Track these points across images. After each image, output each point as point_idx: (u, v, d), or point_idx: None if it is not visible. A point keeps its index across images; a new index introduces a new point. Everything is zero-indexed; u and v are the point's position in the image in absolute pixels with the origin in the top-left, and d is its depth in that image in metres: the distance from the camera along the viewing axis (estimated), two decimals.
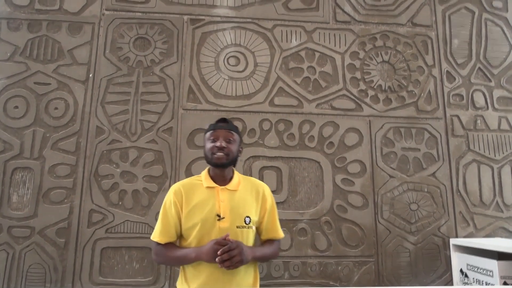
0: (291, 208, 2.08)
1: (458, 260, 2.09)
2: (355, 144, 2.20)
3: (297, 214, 2.08)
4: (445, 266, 2.13)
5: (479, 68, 2.39)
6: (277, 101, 2.19)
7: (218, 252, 1.23)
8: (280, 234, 1.52)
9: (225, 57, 2.21)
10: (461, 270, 2.05)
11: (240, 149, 1.50)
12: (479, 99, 2.35)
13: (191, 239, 1.37)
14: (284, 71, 2.24)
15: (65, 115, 2.05)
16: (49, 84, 2.07)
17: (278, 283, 1.99)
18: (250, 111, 2.16)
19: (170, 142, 2.07)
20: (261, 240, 1.52)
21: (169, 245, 1.41)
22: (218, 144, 1.38)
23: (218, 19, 2.25)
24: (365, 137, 2.21)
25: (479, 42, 2.43)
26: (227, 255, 1.23)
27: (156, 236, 1.41)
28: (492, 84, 2.38)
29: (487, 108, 2.35)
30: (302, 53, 2.27)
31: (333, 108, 2.23)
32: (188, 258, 1.33)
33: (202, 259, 1.29)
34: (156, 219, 1.96)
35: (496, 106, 2.35)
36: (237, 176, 1.48)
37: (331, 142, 2.18)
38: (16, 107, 2.02)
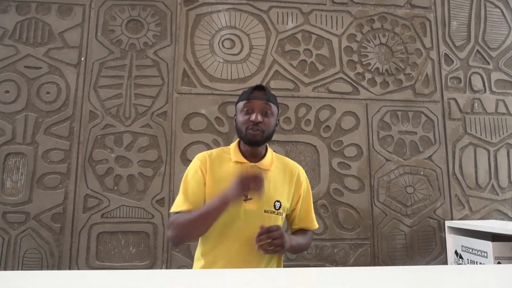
0: None
1: (453, 242, 2.10)
2: (351, 127, 2.19)
3: None
4: (440, 248, 2.15)
5: (478, 50, 2.36)
6: (273, 84, 2.16)
7: (257, 234, 1.06)
8: (315, 224, 1.32)
9: (220, 39, 2.17)
10: (455, 252, 2.07)
11: (277, 123, 1.27)
12: (477, 82, 2.33)
13: None
14: (280, 54, 2.20)
15: (57, 100, 2.01)
16: (40, 68, 2.02)
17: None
18: None
19: (165, 127, 2.05)
20: (292, 230, 1.33)
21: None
22: (253, 117, 1.15)
23: (213, 0, 2.20)
24: (361, 121, 2.20)
25: (478, 24, 2.40)
26: (266, 236, 1.06)
27: (177, 206, 1.16)
28: (490, 67, 2.36)
29: (485, 91, 2.33)
30: (299, 36, 2.23)
31: (330, 91, 2.20)
32: (213, 207, 1.07)
33: (229, 198, 1.05)
34: (152, 204, 1.98)
35: (493, 89, 2.33)
36: (271, 153, 1.27)
37: (327, 126, 2.17)
38: (7, 91, 1.98)
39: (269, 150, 1.28)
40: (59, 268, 1.90)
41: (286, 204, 1.22)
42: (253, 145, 1.19)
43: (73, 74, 2.04)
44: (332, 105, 2.19)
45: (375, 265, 2.07)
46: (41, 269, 1.89)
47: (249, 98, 1.19)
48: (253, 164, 1.21)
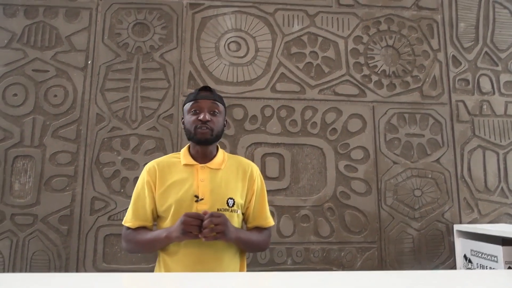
0: (293, 195, 2.07)
1: (462, 246, 2.08)
2: (358, 130, 2.17)
3: (300, 201, 2.07)
4: (448, 252, 2.12)
5: (486, 52, 2.34)
6: (279, 87, 2.16)
7: (204, 218, 1.07)
8: (269, 221, 1.32)
9: (225, 42, 2.17)
10: (464, 256, 2.04)
11: (225, 122, 1.31)
12: (485, 84, 2.30)
13: (167, 223, 1.20)
14: (286, 56, 2.20)
15: (64, 103, 2.03)
16: (48, 71, 2.04)
17: (281, 269, 2.00)
18: (251, 98, 2.13)
19: (171, 129, 2.06)
20: (248, 229, 1.33)
21: (140, 229, 1.23)
22: (201, 117, 1.18)
23: (218, 3, 2.21)
24: (368, 123, 2.18)
25: (486, 25, 2.37)
26: (208, 221, 1.06)
27: (127, 220, 1.24)
28: (499, 68, 2.33)
29: (494, 93, 2.30)
30: (304, 38, 2.23)
31: (336, 93, 2.19)
32: (159, 239, 1.14)
33: (173, 237, 1.10)
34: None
35: (502, 91, 2.31)
36: (222, 153, 1.30)
37: (334, 128, 2.16)
38: (15, 94, 2.00)
39: (220, 150, 1.31)
40: (66, 270, 1.90)
41: (240, 200, 1.23)
42: (203, 144, 1.22)
43: (80, 77, 2.05)
44: (338, 108, 2.18)
45: (382, 269, 2.05)
46: (49, 271, 1.90)
47: (197, 98, 1.22)
48: (202, 165, 1.23)
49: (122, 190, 1.99)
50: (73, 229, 1.94)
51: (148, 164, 1.29)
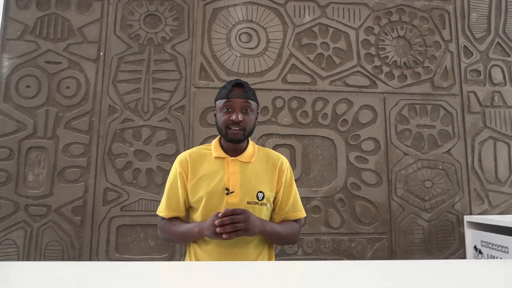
0: (304, 186, 2.08)
1: (472, 237, 2.08)
2: (369, 121, 2.17)
3: (311, 192, 2.08)
4: (458, 243, 2.12)
5: (498, 42, 2.32)
6: (290, 78, 2.16)
7: (219, 215, 1.08)
8: (299, 213, 1.29)
9: (237, 33, 2.17)
10: (475, 247, 2.05)
11: (257, 115, 1.28)
12: (497, 75, 2.29)
13: (198, 214, 1.22)
14: (297, 47, 2.19)
15: (77, 94, 2.04)
16: (60, 63, 2.05)
17: (292, 260, 2.01)
18: (262, 89, 2.13)
19: (183, 121, 2.06)
20: (275, 221, 1.31)
21: (174, 220, 1.26)
22: (234, 117, 1.17)
23: None
24: (379, 114, 2.18)
25: (498, 15, 2.35)
26: (229, 219, 1.06)
27: (161, 210, 1.27)
28: (511, 59, 2.31)
29: (505, 84, 2.29)
30: (316, 29, 2.22)
31: (347, 85, 2.19)
32: (191, 234, 1.18)
33: (205, 234, 1.14)
34: None
35: None
36: (252, 146, 1.29)
37: (344, 120, 2.16)
38: (28, 86, 2.01)
39: (251, 143, 1.30)
40: (79, 260, 1.93)
41: (269, 194, 1.23)
42: (235, 143, 1.22)
43: (92, 69, 2.06)
44: (349, 99, 2.18)
45: (392, 259, 2.06)
46: (63, 261, 1.92)
47: (229, 96, 1.19)
48: (233, 158, 1.23)
49: (134, 181, 2.00)
50: (86, 219, 1.96)
51: (180, 155, 1.29)
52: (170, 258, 1.97)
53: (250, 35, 2.18)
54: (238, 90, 1.21)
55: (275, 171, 1.26)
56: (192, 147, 1.36)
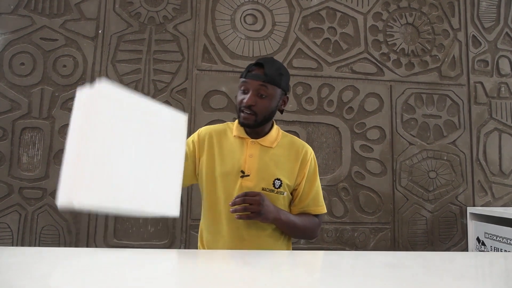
0: None
1: (474, 229, 2.07)
2: (375, 109, 2.13)
3: None
4: (461, 234, 2.11)
5: (507, 33, 2.28)
6: (295, 63, 2.09)
7: (235, 197, 1.02)
8: (319, 209, 1.18)
9: (241, 15, 2.09)
10: (477, 238, 2.04)
11: (284, 101, 1.16)
12: (505, 66, 2.26)
13: (210, 193, 1.14)
14: (303, 31, 2.12)
15: (74, 74, 1.95)
16: (56, 40, 1.95)
17: (294, 249, 1.98)
18: None
19: (185, 104, 1.99)
20: (293, 212, 1.20)
21: None
22: (246, 100, 1.08)
23: None
24: (385, 103, 2.14)
25: (508, 5, 2.31)
26: (241, 199, 1.00)
27: None
28: None
29: None
30: (323, 13, 2.15)
31: (354, 71, 2.14)
32: None
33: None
34: None
35: None
36: (276, 131, 1.19)
37: (350, 107, 2.11)
38: (23, 64, 1.92)
39: (275, 127, 1.20)
40: (76, 245, 1.87)
41: (287, 182, 1.13)
42: (246, 127, 1.14)
43: (90, 48, 1.97)
44: (355, 86, 2.13)
45: (395, 249, 2.05)
46: (59, 246, 1.86)
47: (246, 77, 1.10)
48: (253, 140, 1.15)
49: None
50: None
51: (203, 127, 1.20)
52: (170, 245, 1.92)
53: (255, 17, 2.10)
54: (256, 71, 1.10)
55: (297, 160, 1.16)
56: (194, 132, 1.26)
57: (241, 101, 1.10)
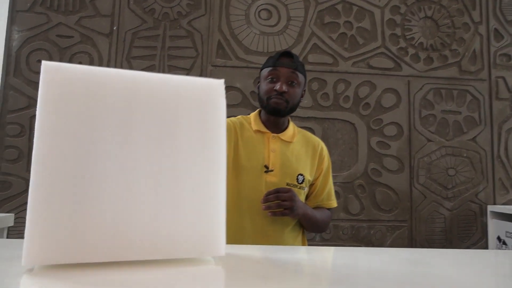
0: None
1: (495, 227, 2.02)
2: (392, 105, 2.08)
3: None
4: (480, 233, 2.06)
5: None
6: (311, 58, 2.06)
7: (265, 194, 1.01)
8: (332, 203, 1.23)
9: (256, 10, 2.07)
10: (498, 237, 1.99)
11: (303, 92, 1.18)
12: None
13: (231, 189, 1.07)
14: (319, 26, 2.09)
15: None
16: (72, 37, 1.96)
17: (310, 245, 1.96)
18: None
19: None
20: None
21: None
22: (277, 87, 1.08)
23: None
24: (403, 99, 2.09)
25: None
26: (274, 196, 1.00)
27: None
28: None
29: None
30: (339, 7, 2.11)
31: (370, 67, 2.09)
32: None
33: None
34: None
35: None
36: (293, 126, 1.21)
37: (367, 103, 2.07)
38: (39, 60, 1.93)
39: (291, 123, 1.22)
40: None
41: (308, 178, 1.15)
42: (276, 115, 1.13)
43: (105, 44, 1.97)
44: (372, 81, 2.08)
45: (411, 247, 2.01)
46: None
47: (276, 65, 1.11)
48: (274, 134, 1.14)
49: None
50: None
51: (229, 118, 1.15)
52: None
53: (270, 11, 2.07)
54: (285, 60, 1.12)
55: (315, 156, 1.19)
56: None
57: (271, 89, 1.10)
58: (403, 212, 2.03)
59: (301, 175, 1.13)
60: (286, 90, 1.08)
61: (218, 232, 0.52)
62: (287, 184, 1.10)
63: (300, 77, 1.13)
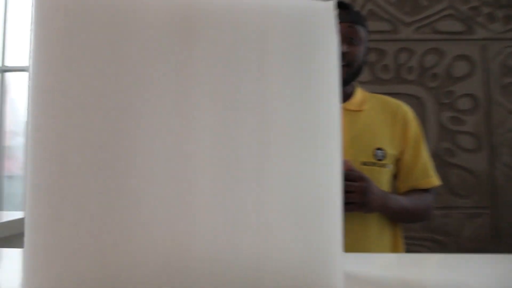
0: None
1: None
2: (465, 75, 1.82)
3: None
4: None
5: None
6: None
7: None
8: (432, 180, 0.97)
9: None
10: None
11: (368, 51, 1.00)
12: None
13: None
14: None
15: None
16: None
17: None
18: None
19: None
20: (400, 191, 0.99)
21: None
22: None
23: None
24: (478, 66, 1.82)
25: None
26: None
27: None
28: None
29: None
30: None
31: (437, 31, 1.84)
32: None
33: None
34: None
35: None
36: (361, 91, 1.01)
37: (434, 74, 1.82)
38: None
39: (359, 89, 1.01)
40: None
41: (391, 152, 0.93)
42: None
43: None
44: (440, 48, 1.83)
45: (496, 238, 1.74)
46: None
47: None
48: None
49: None
50: None
51: None
52: None
53: None
54: (340, 12, 0.90)
55: (396, 123, 0.96)
56: None
57: None
58: (484, 197, 1.76)
59: (380, 149, 0.91)
60: (347, 50, 0.89)
61: (331, 255, 0.31)
62: (363, 164, 0.89)
63: (361, 31, 0.94)
